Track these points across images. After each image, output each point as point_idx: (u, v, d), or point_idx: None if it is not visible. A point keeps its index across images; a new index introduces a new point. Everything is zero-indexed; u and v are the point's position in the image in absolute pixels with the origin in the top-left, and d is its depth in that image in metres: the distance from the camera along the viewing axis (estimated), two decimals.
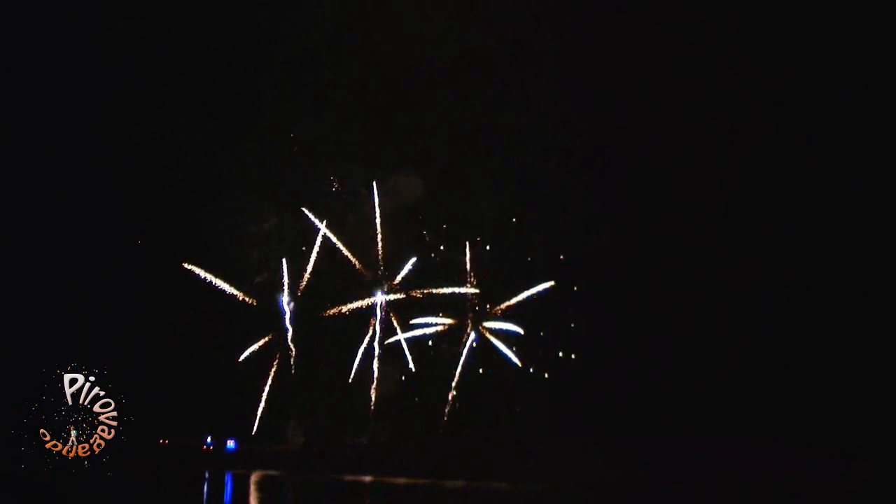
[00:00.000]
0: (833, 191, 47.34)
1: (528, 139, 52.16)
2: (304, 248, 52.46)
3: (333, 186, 52.93)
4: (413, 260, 52.25)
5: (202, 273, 50.42)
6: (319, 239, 52.11)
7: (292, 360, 51.56)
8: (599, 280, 50.60)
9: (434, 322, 52.20)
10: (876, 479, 36.74)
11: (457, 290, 52.24)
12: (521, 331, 51.45)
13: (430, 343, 52.33)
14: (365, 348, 51.97)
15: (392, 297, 52.23)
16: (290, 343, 51.50)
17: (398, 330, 52.02)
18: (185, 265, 50.18)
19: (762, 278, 47.84)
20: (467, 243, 52.60)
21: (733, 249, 48.43)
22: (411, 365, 51.52)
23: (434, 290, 52.16)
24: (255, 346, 51.10)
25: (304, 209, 52.34)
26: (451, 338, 52.13)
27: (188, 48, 50.56)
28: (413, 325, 52.07)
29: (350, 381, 51.63)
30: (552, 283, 51.48)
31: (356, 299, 52.10)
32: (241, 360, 50.85)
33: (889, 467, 37.73)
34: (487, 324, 52.02)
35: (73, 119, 49.56)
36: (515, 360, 51.15)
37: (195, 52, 50.81)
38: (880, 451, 39.70)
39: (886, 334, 44.65)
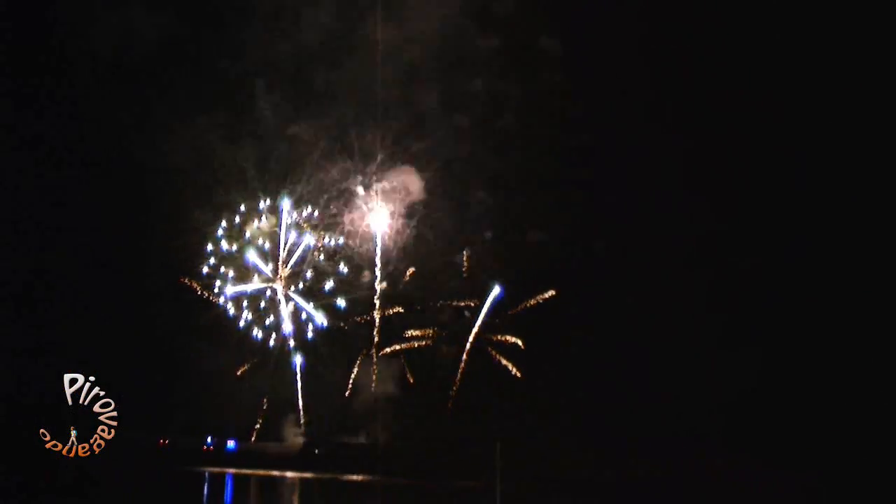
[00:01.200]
0: (823, 198, 47.62)
1: (528, 139, 52.13)
2: (304, 250, 52.39)
3: (331, 189, 52.76)
4: (411, 270, 52.25)
5: (198, 289, 50.50)
6: (317, 242, 52.13)
7: (292, 360, 51.59)
8: (597, 285, 50.56)
9: (430, 335, 52.18)
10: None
11: (456, 302, 52.25)
12: (519, 342, 51.31)
13: (430, 346, 52.35)
14: (364, 351, 52.09)
15: (390, 311, 52.32)
16: (290, 344, 51.53)
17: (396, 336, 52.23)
18: (183, 279, 50.23)
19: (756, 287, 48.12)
20: (465, 251, 52.49)
21: (728, 256, 48.57)
22: (410, 377, 51.62)
23: (432, 304, 52.20)
24: (254, 360, 51.24)
25: (301, 212, 52.30)
26: (451, 340, 52.08)
27: (186, 47, 50.69)
28: (411, 337, 52.21)
29: (350, 382, 51.69)
30: (553, 292, 51.39)
31: (355, 303, 52.17)
32: (241, 372, 50.94)
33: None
34: (487, 333, 51.97)
35: (73, 119, 49.68)
36: (515, 371, 51.13)
37: (193, 52, 50.93)
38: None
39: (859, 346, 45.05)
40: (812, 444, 42.72)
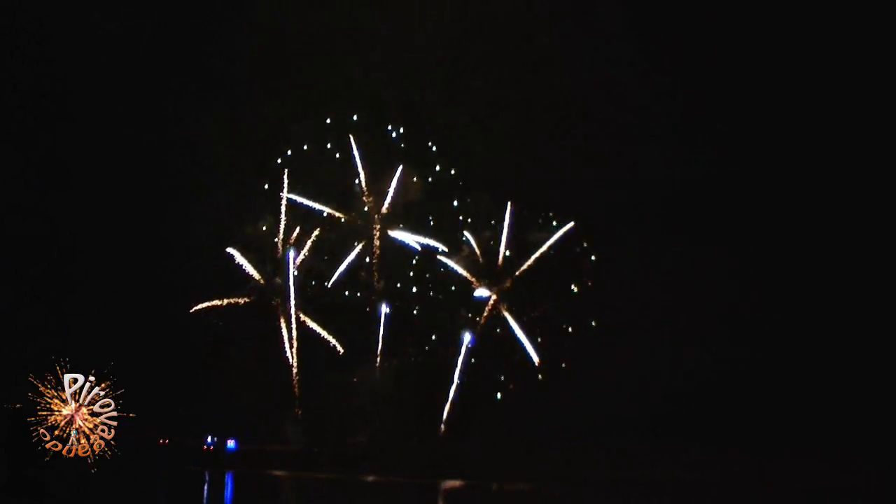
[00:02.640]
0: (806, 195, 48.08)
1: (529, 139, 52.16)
2: (305, 250, 52.34)
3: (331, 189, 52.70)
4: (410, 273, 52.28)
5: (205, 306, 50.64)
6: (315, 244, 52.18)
7: (292, 360, 51.60)
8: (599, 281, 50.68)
9: (428, 348, 52.26)
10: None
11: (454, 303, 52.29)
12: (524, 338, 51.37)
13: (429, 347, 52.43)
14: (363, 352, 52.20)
15: (389, 311, 52.40)
16: (290, 343, 51.52)
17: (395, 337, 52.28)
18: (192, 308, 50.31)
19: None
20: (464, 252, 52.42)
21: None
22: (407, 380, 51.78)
23: (431, 304, 52.22)
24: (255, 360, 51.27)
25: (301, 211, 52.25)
26: (449, 341, 52.13)
27: (184, 45, 50.76)
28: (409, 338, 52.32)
29: (349, 382, 51.75)
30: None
31: (354, 303, 52.18)
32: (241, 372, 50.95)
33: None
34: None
35: (73, 117, 49.72)
36: (511, 385, 51.25)
37: (191, 50, 50.99)
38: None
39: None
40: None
